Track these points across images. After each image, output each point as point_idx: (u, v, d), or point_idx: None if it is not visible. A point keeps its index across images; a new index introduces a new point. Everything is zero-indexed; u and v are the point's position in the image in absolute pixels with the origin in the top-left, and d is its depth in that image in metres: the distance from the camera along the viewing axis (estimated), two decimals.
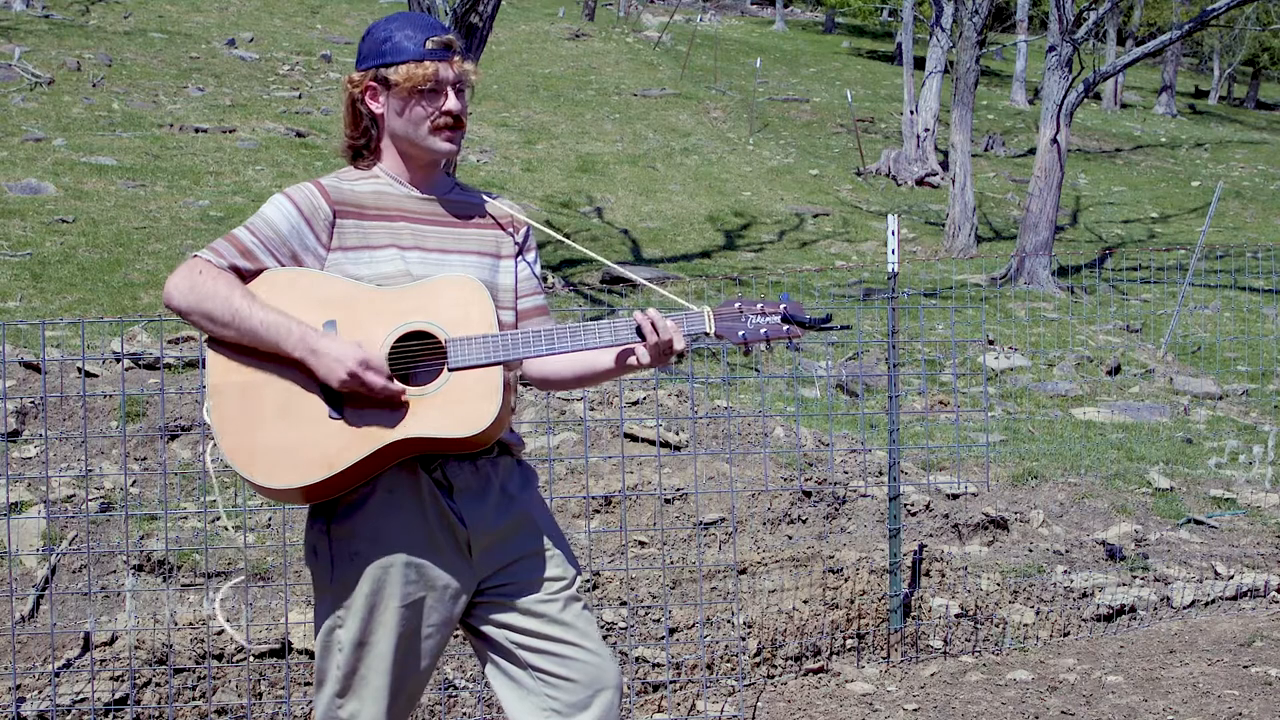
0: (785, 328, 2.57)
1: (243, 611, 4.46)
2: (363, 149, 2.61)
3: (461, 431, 2.43)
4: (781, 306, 2.58)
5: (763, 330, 2.56)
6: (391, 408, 2.42)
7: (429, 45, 2.51)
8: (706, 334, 2.57)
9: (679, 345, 2.54)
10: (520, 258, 2.70)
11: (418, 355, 2.46)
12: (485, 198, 2.72)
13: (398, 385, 2.42)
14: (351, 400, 2.41)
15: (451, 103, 2.54)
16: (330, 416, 2.41)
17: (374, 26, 2.58)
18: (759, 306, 2.58)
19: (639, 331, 2.54)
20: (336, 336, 2.40)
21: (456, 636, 3.52)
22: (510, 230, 2.70)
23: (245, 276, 2.44)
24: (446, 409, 2.43)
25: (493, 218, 2.68)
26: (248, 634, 4.32)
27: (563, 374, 2.70)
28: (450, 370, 2.45)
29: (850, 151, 22.36)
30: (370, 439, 2.40)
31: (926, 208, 19.29)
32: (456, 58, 2.55)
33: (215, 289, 2.39)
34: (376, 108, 2.56)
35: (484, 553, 2.54)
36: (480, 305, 2.50)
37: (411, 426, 2.42)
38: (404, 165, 2.59)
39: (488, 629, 2.58)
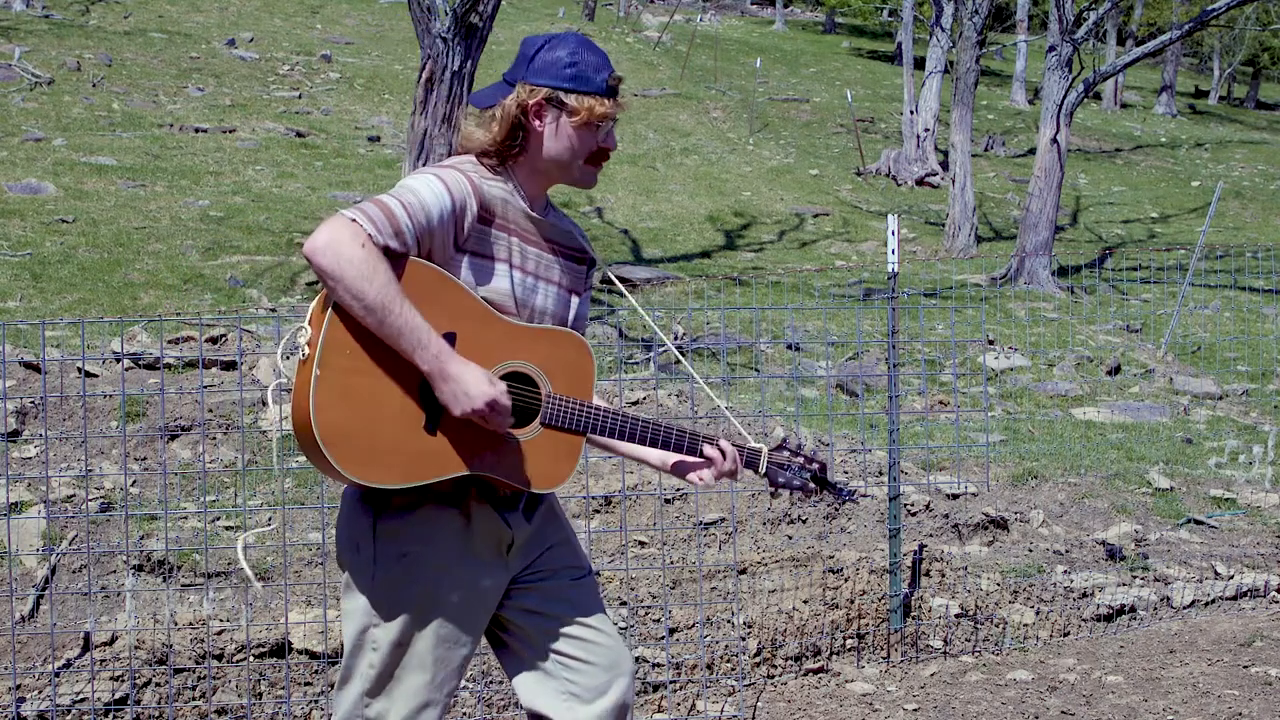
0: (811, 485, 2.83)
1: (243, 611, 4.46)
2: (507, 156, 2.54)
3: (540, 487, 2.54)
4: (815, 464, 2.83)
5: (795, 482, 2.82)
6: (482, 441, 2.43)
7: (610, 82, 2.53)
8: (755, 472, 2.80)
9: (738, 477, 2.77)
10: (585, 294, 2.72)
11: (512, 395, 2.46)
12: (572, 226, 2.70)
13: (511, 426, 2.45)
14: (449, 420, 2.40)
15: (613, 141, 2.59)
16: (425, 429, 2.39)
17: (555, 44, 2.53)
18: (800, 459, 2.82)
19: (708, 453, 2.70)
20: (469, 365, 2.36)
21: None
22: (587, 265, 2.71)
23: (389, 258, 2.32)
24: (531, 461, 2.51)
25: (577, 250, 2.68)
26: (248, 634, 4.32)
27: (598, 441, 2.76)
28: (542, 424, 2.52)
29: (850, 151, 22.36)
30: (453, 465, 2.42)
31: (926, 208, 19.29)
32: (622, 98, 2.58)
33: (375, 273, 2.27)
34: (538, 125, 2.51)
35: (519, 550, 2.59)
36: (586, 372, 2.58)
37: (494, 468, 2.46)
38: (534, 182, 2.57)
39: (511, 615, 2.62)
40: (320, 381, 2.32)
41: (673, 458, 2.74)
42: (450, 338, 2.39)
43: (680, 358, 2.96)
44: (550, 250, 2.60)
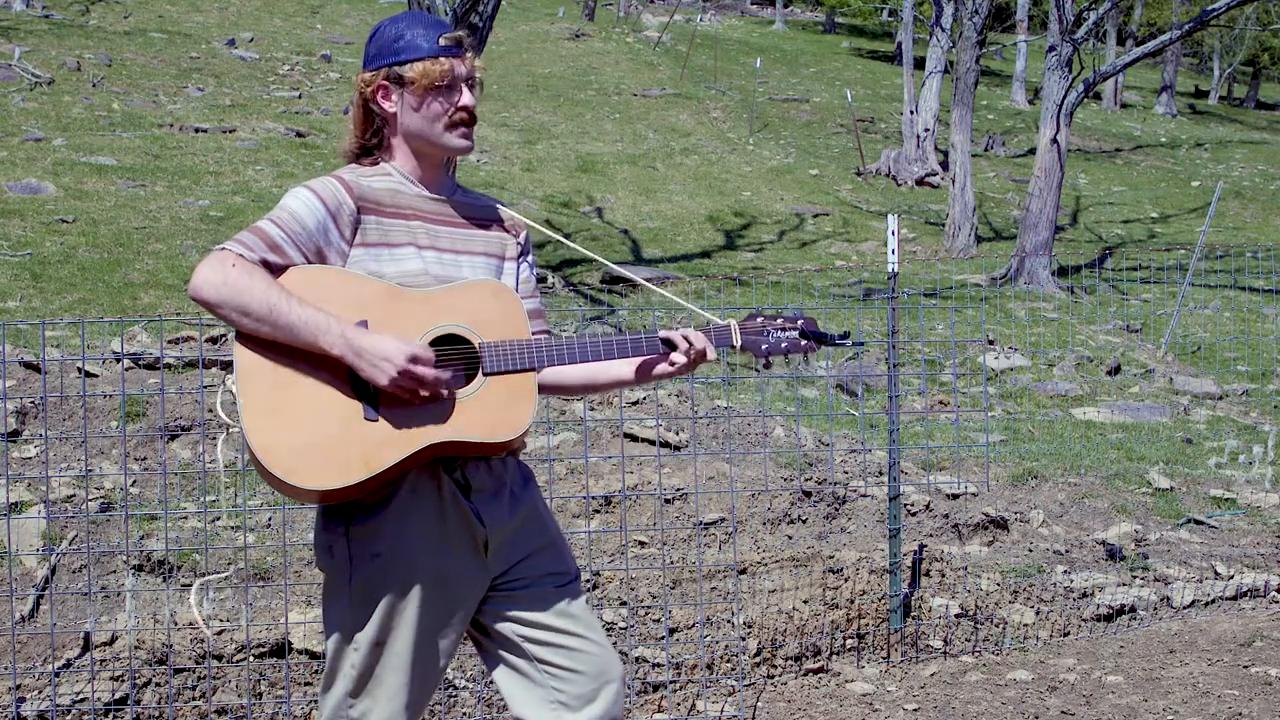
0: (803, 343, 2.66)
1: (243, 611, 4.46)
2: (373, 148, 2.59)
3: (502, 435, 2.47)
4: (799, 322, 2.68)
5: (783, 344, 2.66)
6: (429, 410, 2.41)
7: (442, 42, 2.52)
8: (732, 346, 2.65)
9: (711, 354, 2.62)
10: (521, 260, 2.72)
11: (448, 358, 2.46)
12: (489, 201, 2.73)
13: (448, 373, 2.40)
14: (388, 400, 2.39)
15: (466, 98, 2.55)
16: (366, 417, 2.38)
17: (382, 26, 2.57)
18: (779, 321, 2.68)
19: (668, 343, 2.60)
20: (377, 333, 2.36)
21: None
22: (512, 233, 2.71)
23: (273, 272, 2.38)
24: (484, 413, 2.45)
25: (496, 221, 2.69)
26: (248, 634, 4.32)
27: (572, 381, 2.73)
28: (485, 374, 2.47)
29: (850, 151, 22.36)
30: (409, 441, 2.38)
31: (926, 208, 19.29)
32: (468, 54, 2.57)
33: (251, 284, 2.31)
34: (389, 107, 2.55)
35: (498, 550, 2.56)
36: (512, 310, 2.53)
37: (451, 430, 2.42)
38: (416, 164, 2.59)
39: (496, 624, 2.59)
40: (246, 409, 2.33)
41: (639, 361, 2.67)
42: (362, 325, 2.39)
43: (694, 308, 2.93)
44: (471, 225, 2.63)
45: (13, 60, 18.52)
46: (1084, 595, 5.34)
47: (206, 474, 5.51)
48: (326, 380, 2.37)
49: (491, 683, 4.35)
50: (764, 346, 2.67)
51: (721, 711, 4.45)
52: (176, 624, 4.35)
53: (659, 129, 22.06)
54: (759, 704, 4.53)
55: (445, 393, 2.42)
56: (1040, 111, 14.87)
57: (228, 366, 7.00)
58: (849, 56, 36.63)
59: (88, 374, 6.36)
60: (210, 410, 6.00)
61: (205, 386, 6.11)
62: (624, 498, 5.24)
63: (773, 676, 4.72)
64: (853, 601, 4.96)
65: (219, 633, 4.34)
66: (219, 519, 5.29)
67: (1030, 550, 5.64)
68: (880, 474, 6.11)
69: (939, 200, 19.33)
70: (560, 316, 9.70)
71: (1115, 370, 9.54)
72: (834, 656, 4.86)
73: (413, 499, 2.47)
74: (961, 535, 5.72)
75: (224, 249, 2.35)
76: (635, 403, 6.67)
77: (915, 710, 4.48)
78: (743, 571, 5.13)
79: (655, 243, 15.13)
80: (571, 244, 3.00)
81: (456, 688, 4.37)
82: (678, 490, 5.57)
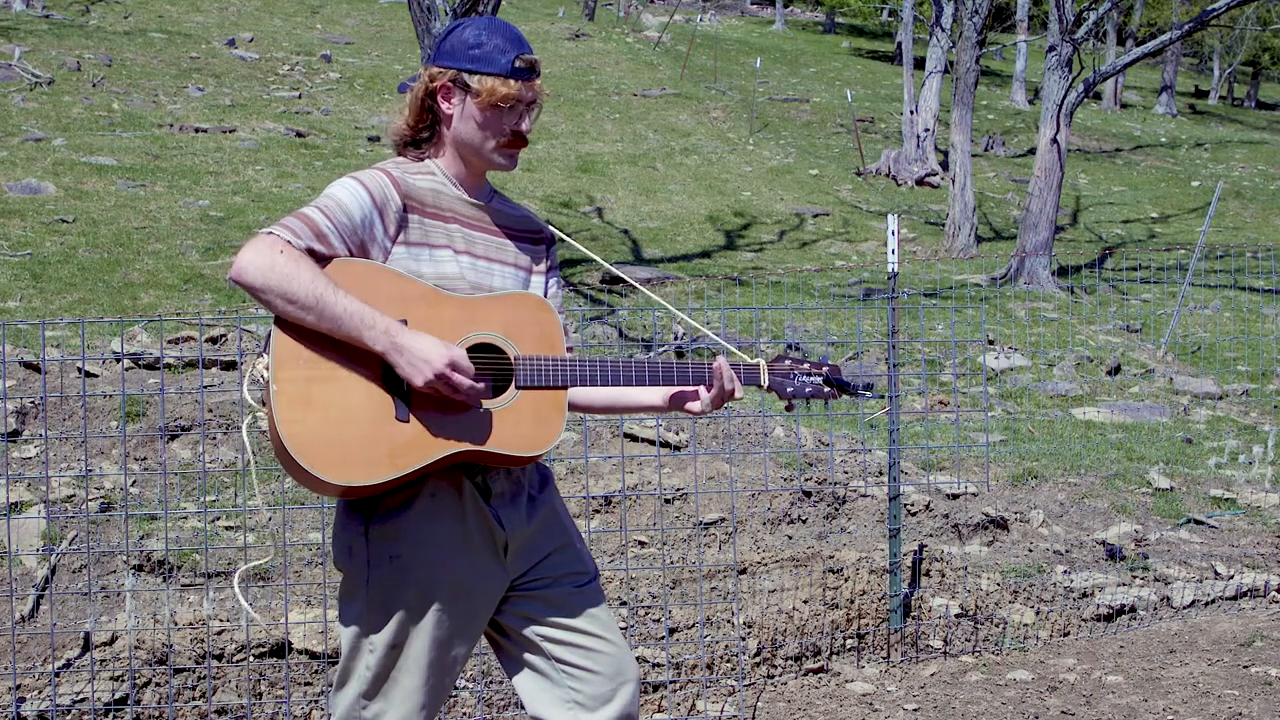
0: (826, 390, 2.74)
1: (243, 611, 4.46)
2: (422, 141, 2.57)
3: (528, 450, 2.47)
4: (824, 368, 2.74)
5: (807, 389, 2.73)
6: (460, 417, 2.41)
7: (517, 64, 2.50)
8: (759, 385, 2.71)
9: (739, 393, 2.66)
10: (549, 275, 2.71)
11: (482, 367, 2.45)
12: (524, 211, 2.72)
13: (483, 385, 2.40)
14: (420, 404, 2.38)
15: (525, 124, 2.55)
16: (397, 418, 2.37)
17: (463, 25, 2.54)
18: (806, 366, 2.74)
19: (699, 375, 2.63)
20: (421, 334, 2.35)
21: None
22: (544, 246, 2.71)
23: (317, 262, 2.35)
24: (514, 426, 2.45)
25: (528, 232, 2.68)
26: (247, 634, 4.32)
27: (596, 402, 2.74)
28: (518, 388, 2.47)
29: (850, 151, 22.36)
30: (436, 445, 2.38)
31: (926, 208, 19.29)
32: (537, 79, 2.55)
33: (298, 271, 2.28)
34: (447, 108, 2.53)
35: (517, 553, 2.56)
36: (550, 327, 2.54)
37: (479, 439, 2.42)
38: (461, 167, 2.58)
39: (513, 623, 2.60)
40: (279, 396, 2.32)
41: (668, 391, 2.69)
42: (401, 324, 2.38)
43: (709, 333, 2.93)
44: (504, 235, 2.62)
45: (13, 60, 18.52)
46: (1084, 595, 5.34)
47: (207, 474, 5.51)
48: (362, 376, 2.36)
49: (492, 683, 4.36)
50: (789, 389, 2.72)
51: (721, 711, 4.46)
52: (176, 624, 4.35)
53: (659, 129, 22.06)
54: (759, 704, 4.53)
55: (483, 397, 2.41)
56: (1040, 111, 14.87)
57: (229, 367, 7.00)
58: (849, 56, 36.63)
59: (88, 374, 6.36)
60: (210, 410, 6.00)
61: (205, 386, 6.11)
62: (624, 498, 5.25)
63: (773, 676, 4.72)
64: (853, 601, 4.96)
65: (219, 633, 4.34)
66: (219, 519, 5.29)
67: (1030, 550, 5.64)
68: (880, 474, 6.11)
69: (939, 200, 19.33)
70: None
71: (1115, 370, 9.54)
72: (834, 656, 4.86)
73: (433, 503, 2.46)
74: (961, 535, 5.72)
75: (270, 233, 2.31)
76: None
77: (915, 710, 4.48)
78: (743, 571, 5.14)
79: (655, 243, 15.12)
80: (573, 242, 3.00)
81: (457, 688, 4.37)
82: (678, 490, 5.57)
